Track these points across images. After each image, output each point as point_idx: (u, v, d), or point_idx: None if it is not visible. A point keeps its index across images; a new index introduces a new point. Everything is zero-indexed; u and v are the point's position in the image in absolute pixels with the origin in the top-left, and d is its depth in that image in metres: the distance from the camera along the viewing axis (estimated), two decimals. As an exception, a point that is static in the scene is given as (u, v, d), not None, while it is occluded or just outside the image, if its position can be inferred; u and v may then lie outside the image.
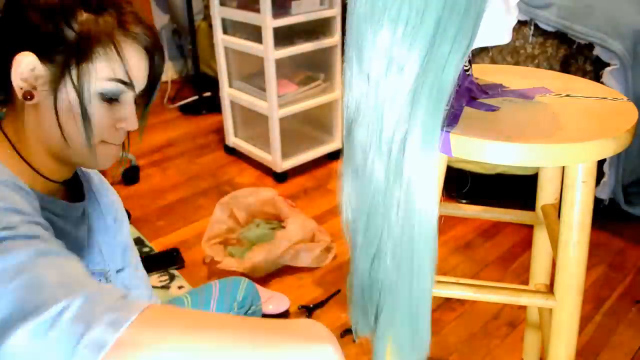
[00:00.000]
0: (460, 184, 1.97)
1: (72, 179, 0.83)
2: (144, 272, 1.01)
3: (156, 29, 0.78)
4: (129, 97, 0.73)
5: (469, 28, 0.69)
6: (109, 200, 0.93)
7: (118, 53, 0.69)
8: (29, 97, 0.68)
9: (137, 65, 0.72)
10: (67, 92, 0.68)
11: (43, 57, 0.67)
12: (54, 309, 0.44)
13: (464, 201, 2.03)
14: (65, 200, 0.79)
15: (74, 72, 0.67)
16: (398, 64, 0.72)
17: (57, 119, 0.69)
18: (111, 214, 0.93)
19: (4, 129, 0.73)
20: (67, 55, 0.67)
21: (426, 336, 0.85)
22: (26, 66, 0.67)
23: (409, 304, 0.82)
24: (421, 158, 0.73)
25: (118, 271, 0.93)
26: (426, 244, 0.77)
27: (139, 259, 1.00)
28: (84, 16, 0.68)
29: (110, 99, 0.71)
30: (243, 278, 1.23)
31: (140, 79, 0.73)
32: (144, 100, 0.78)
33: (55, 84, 0.68)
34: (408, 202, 0.75)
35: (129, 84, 0.71)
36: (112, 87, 0.70)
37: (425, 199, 0.74)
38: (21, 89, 0.68)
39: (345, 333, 1.46)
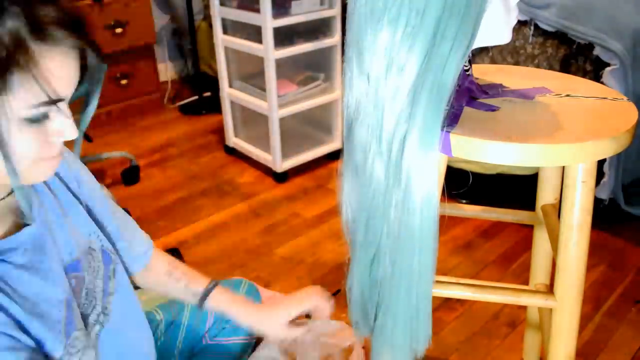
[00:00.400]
0: (460, 184, 1.97)
1: None
2: (128, 217, 0.97)
3: (82, 13, 0.61)
4: (60, 110, 0.60)
5: (469, 28, 0.69)
6: (73, 180, 0.82)
7: (34, 76, 0.55)
8: None
9: (65, 73, 0.59)
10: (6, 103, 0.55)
11: None
12: None
13: (464, 201, 2.03)
14: (16, 219, 0.69)
15: (10, 79, 0.54)
16: (398, 64, 0.72)
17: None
18: (83, 194, 0.84)
19: None
20: None
21: (425, 335, 0.85)
22: None
23: (408, 304, 0.82)
24: (420, 158, 0.73)
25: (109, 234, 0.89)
26: (426, 244, 0.77)
27: (119, 209, 0.95)
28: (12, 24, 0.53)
29: (38, 120, 0.59)
30: (244, 279, 1.23)
31: (71, 85, 0.61)
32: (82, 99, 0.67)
33: None
34: (407, 201, 0.75)
35: (57, 101, 0.58)
36: (36, 113, 0.57)
37: (424, 198, 0.74)
38: None
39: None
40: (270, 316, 1.00)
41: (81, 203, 0.83)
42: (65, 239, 0.76)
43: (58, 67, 0.57)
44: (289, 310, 1.00)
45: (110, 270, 0.83)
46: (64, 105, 0.61)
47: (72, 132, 0.62)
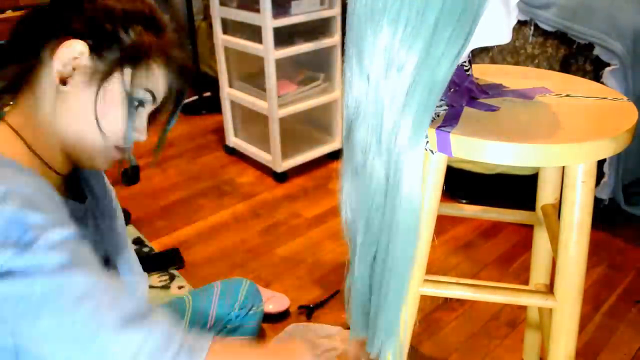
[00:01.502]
0: (460, 184, 1.97)
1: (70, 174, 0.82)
2: (135, 255, 1.01)
3: (191, 60, 0.85)
4: (147, 109, 0.77)
5: (465, 29, 0.69)
6: (107, 190, 0.92)
7: (167, 69, 0.75)
8: (64, 83, 0.69)
9: (171, 84, 0.77)
10: (110, 89, 0.71)
11: (93, 49, 0.69)
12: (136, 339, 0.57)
13: (464, 201, 2.04)
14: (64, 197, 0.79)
15: (126, 74, 0.71)
16: (398, 64, 0.72)
17: (95, 111, 0.71)
18: (112, 205, 0.93)
19: (11, 125, 0.71)
20: (120, 57, 0.70)
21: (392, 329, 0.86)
22: (74, 52, 0.68)
23: (398, 299, 0.83)
24: (408, 153, 0.73)
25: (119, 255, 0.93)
26: (409, 238, 0.77)
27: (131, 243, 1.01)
28: (140, 29, 0.73)
29: (136, 103, 0.74)
30: (244, 279, 1.23)
31: (161, 99, 0.78)
32: (161, 118, 0.82)
33: (100, 79, 0.70)
34: (395, 196, 0.76)
35: (154, 99, 0.75)
36: (142, 95, 0.74)
37: (409, 193, 0.75)
38: (59, 72, 0.69)
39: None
40: None
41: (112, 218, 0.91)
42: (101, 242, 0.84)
43: (167, 77, 0.76)
44: None
45: None
46: (149, 111, 0.77)
47: (144, 134, 0.78)
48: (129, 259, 0.96)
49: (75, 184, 0.84)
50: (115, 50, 0.70)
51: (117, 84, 0.71)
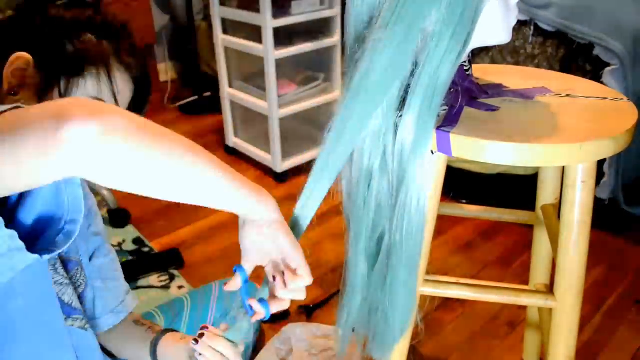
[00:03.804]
0: (461, 184, 1.97)
1: None
2: (119, 267, 0.99)
3: (146, 62, 0.84)
4: None
5: (465, 29, 0.69)
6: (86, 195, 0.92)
7: (109, 77, 0.74)
8: (12, 92, 0.71)
9: (122, 91, 0.76)
10: (49, 98, 0.71)
11: (38, 62, 0.71)
12: None
13: (464, 201, 2.03)
14: None
15: (62, 84, 0.71)
16: (397, 64, 0.72)
17: None
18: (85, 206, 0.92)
19: None
20: (60, 67, 0.72)
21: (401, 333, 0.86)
22: (19, 64, 0.70)
23: (399, 300, 0.83)
24: (415, 156, 0.73)
25: (91, 258, 0.93)
26: (415, 242, 0.77)
27: (115, 255, 0.99)
28: (87, 37, 0.73)
29: None
30: (243, 278, 1.23)
31: (122, 105, 0.77)
32: None
33: (42, 89, 0.71)
34: (406, 204, 0.76)
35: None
36: None
37: (418, 196, 0.75)
38: (9, 83, 0.71)
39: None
40: None
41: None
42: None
43: (120, 84, 0.76)
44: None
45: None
46: None
47: None
48: (104, 267, 0.95)
49: None
50: (57, 61, 0.72)
51: (55, 95, 0.72)
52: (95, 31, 0.74)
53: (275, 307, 0.70)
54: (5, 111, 0.47)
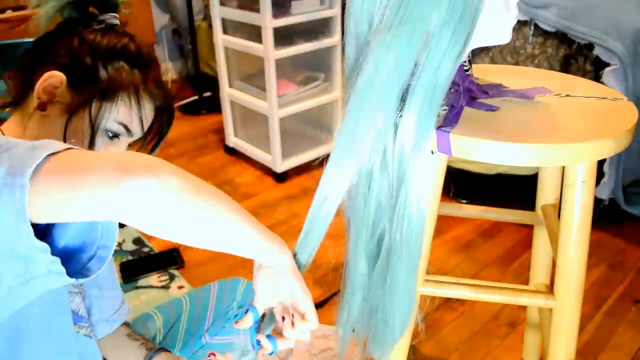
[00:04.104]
0: (461, 184, 1.97)
1: None
2: (117, 278, 1.01)
3: (172, 95, 0.89)
4: (124, 141, 0.79)
5: (465, 29, 0.69)
6: None
7: (139, 105, 0.78)
8: (42, 108, 0.74)
9: (148, 118, 0.80)
10: (81, 120, 0.75)
11: (71, 82, 0.75)
12: None
13: (464, 201, 2.03)
14: None
15: (94, 107, 0.75)
16: (396, 64, 0.71)
17: (64, 139, 0.74)
18: None
19: (3, 132, 0.76)
20: (94, 91, 0.75)
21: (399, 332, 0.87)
22: (53, 83, 0.74)
23: (407, 304, 0.83)
24: (415, 156, 0.73)
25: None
26: (415, 242, 0.77)
27: (113, 263, 1.00)
28: (120, 64, 0.77)
29: (111, 137, 0.78)
30: (242, 278, 1.23)
31: (141, 130, 0.80)
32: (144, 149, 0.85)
33: (72, 109, 0.74)
34: (406, 204, 0.76)
35: (129, 132, 0.78)
36: (117, 129, 0.77)
37: (419, 196, 0.75)
38: (39, 99, 0.74)
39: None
40: None
41: None
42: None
43: (145, 111, 0.79)
44: None
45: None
46: (126, 142, 0.79)
47: None
48: (101, 278, 0.95)
49: None
50: (90, 85, 0.75)
51: (85, 116, 0.75)
52: (128, 60, 0.77)
53: (281, 345, 0.75)
54: (66, 150, 0.50)
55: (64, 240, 0.56)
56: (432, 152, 0.77)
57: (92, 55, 0.76)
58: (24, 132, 0.75)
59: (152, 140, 0.84)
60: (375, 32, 0.70)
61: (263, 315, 0.78)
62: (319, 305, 1.60)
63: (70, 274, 0.51)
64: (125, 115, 0.77)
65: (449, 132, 0.74)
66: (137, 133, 0.80)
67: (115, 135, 0.78)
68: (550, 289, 0.89)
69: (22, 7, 2.47)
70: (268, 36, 2.08)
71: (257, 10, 2.08)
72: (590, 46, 1.68)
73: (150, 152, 0.84)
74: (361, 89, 0.70)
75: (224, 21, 2.37)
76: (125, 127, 0.77)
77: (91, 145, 0.76)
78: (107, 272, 0.95)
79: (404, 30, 0.68)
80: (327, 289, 1.66)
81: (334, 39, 2.29)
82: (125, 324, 1.01)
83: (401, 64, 0.69)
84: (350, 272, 0.89)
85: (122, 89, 0.76)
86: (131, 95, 0.77)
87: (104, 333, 0.95)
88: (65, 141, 0.73)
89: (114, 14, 0.80)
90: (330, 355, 1.29)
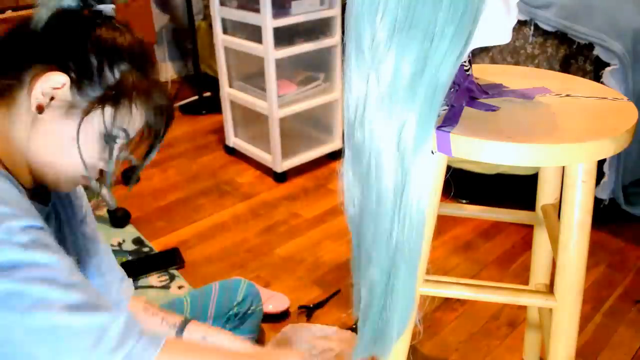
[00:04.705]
0: (460, 184, 1.97)
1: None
2: (113, 256, 1.01)
3: (173, 103, 0.86)
4: (120, 144, 0.76)
5: (466, 29, 0.69)
6: (76, 195, 0.93)
7: (143, 110, 0.75)
8: (39, 110, 0.69)
9: (144, 125, 0.78)
10: (89, 125, 0.71)
11: (75, 83, 0.70)
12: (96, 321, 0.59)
13: (464, 201, 2.03)
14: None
15: (107, 112, 0.72)
16: (396, 64, 0.72)
17: (77, 145, 0.71)
18: (81, 210, 0.93)
19: None
20: (102, 95, 0.71)
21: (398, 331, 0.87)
22: (54, 84, 0.68)
23: (407, 304, 0.83)
24: (416, 156, 0.73)
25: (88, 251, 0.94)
26: (415, 242, 0.77)
27: (107, 245, 1.00)
28: (127, 67, 0.72)
29: (107, 141, 0.74)
30: (243, 279, 1.23)
31: (136, 136, 0.78)
32: (137, 155, 0.82)
33: (81, 114, 0.70)
34: (406, 203, 0.76)
35: (128, 136, 0.76)
36: (117, 133, 0.74)
37: (419, 196, 0.75)
38: (37, 100, 0.69)
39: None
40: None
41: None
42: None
43: (140, 121, 0.76)
44: None
45: None
46: (122, 146, 0.77)
47: (111, 168, 0.77)
48: (100, 263, 0.96)
49: (42, 187, 0.81)
50: (96, 87, 0.71)
51: (96, 121, 0.71)
52: (132, 61, 0.73)
53: None
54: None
55: None
56: (432, 152, 0.77)
57: (97, 54, 0.71)
58: (8, 135, 0.71)
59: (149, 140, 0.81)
60: (382, 34, 0.71)
61: None
62: (318, 306, 1.60)
63: None
64: (126, 120, 0.74)
65: (449, 132, 0.74)
66: (134, 137, 0.78)
67: (111, 138, 0.74)
68: (550, 289, 0.89)
69: (22, 7, 2.47)
70: (268, 36, 2.08)
71: (257, 10, 2.08)
72: (590, 46, 1.68)
73: (149, 152, 0.82)
74: (385, 94, 0.71)
75: (224, 21, 2.37)
76: (126, 132, 0.75)
77: (111, 155, 0.74)
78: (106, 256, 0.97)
79: (416, 32, 0.68)
80: (327, 289, 1.66)
81: (334, 39, 2.29)
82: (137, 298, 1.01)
83: (419, 65, 0.70)
84: (355, 272, 0.89)
85: (130, 94, 0.73)
86: (137, 101, 0.74)
87: None
88: (79, 148, 0.71)
89: (110, 5, 0.76)
90: (330, 356, 1.29)
